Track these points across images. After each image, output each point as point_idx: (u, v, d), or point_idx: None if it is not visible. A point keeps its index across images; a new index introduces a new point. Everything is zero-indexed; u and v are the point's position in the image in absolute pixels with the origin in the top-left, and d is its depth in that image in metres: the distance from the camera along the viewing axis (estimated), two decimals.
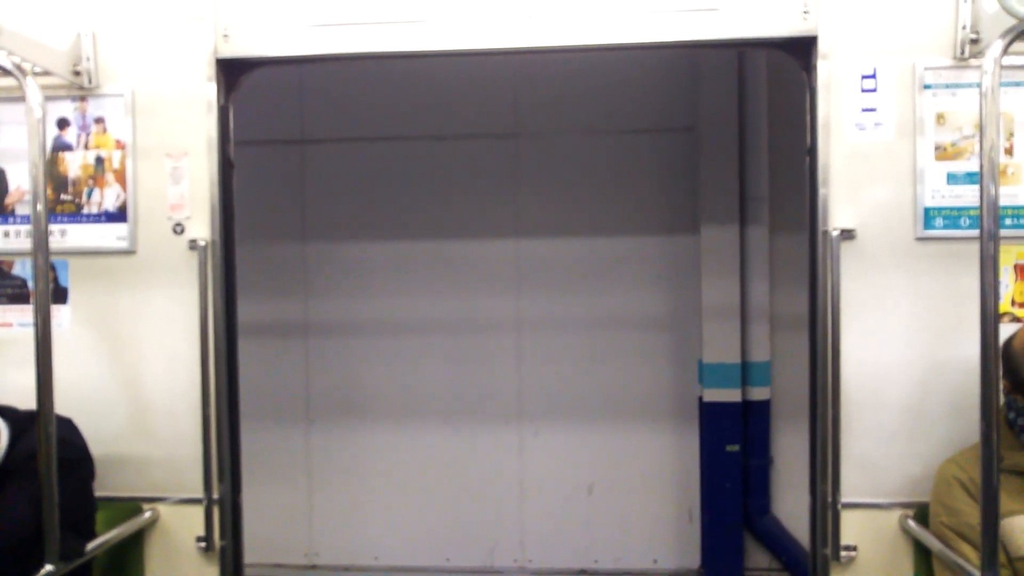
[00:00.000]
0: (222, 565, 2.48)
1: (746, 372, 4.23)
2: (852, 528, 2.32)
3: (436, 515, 4.51)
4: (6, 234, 2.55)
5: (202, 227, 2.47)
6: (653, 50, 2.41)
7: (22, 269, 2.56)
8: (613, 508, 4.44)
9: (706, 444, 4.28)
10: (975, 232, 1.80)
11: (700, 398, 4.28)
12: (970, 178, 2.26)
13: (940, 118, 2.28)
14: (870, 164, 2.30)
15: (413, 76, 4.32)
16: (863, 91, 2.29)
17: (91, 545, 2.21)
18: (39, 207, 1.96)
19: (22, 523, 2.06)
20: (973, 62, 2.24)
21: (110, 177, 2.51)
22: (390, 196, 4.45)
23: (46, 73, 2.38)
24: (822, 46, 2.30)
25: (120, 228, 2.51)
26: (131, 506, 2.48)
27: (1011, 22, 1.75)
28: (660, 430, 4.41)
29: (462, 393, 4.49)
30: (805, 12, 2.29)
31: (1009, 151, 2.27)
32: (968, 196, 2.26)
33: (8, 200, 2.55)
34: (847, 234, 2.28)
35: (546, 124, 4.38)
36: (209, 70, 2.45)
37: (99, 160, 2.51)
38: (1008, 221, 2.24)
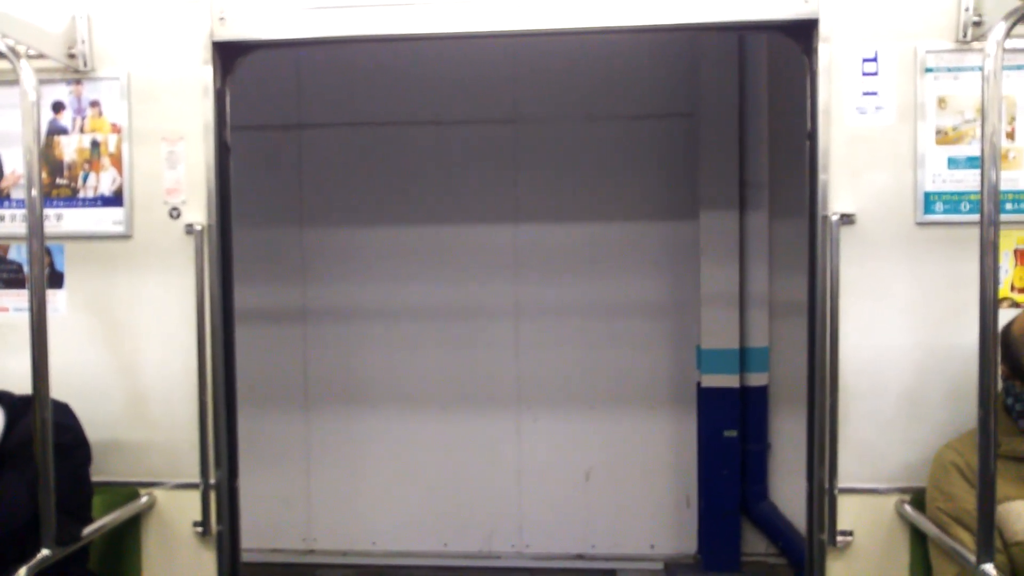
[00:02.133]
0: (219, 550, 2.48)
1: (744, 358, 4.23)
2: (849, 513, 2.32)
3: (434, 500, 4.52)
4: (1, 218, 2.54)
5: (198, 212, 2.45)
6: (653, 33, 2.40)
7: (17, 254, 2.55)
8: (611, 494, 4.45)
9: (704, 430, 4.29)
10: (975, 217, 1.79)
11: (698, 384, 4.28)
12: (971, 162, 2.24)
13: (941, 102, 2.27)
14: (870, 148, 2.28)
15: (411, 60, 4.30)
16: (864, 75, 2.27)
17: (87, 530, 2.21)
18: (34, 191, 1.95)
19: (18, 508, 2.05)
20: (976, 45, 2.22)
21: (106, 161, 2.49)
22: (388, 181, 4.44)
23: (40, 56, 2.35)
24: (823, 29, 2.28)
25: (116, 212, 2.49)
26: (128, 491, 2.48)
27: (1014, 4, 1.74)
28: (658, 416, 4.41)
29: (460, 379, 4.49)
30: None
31: (1011, 135, 2.25)
32: (969, 181, 2.25)
33: (3, 184, 2.54)
34: (847, 219, 2.27)
35: (545, 109, 4.36)
36: (205, 53, 2.43)
37: (95, 144, 2.50)
38: (1009, 206, 2.23)
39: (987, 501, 1.73)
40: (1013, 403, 2.02)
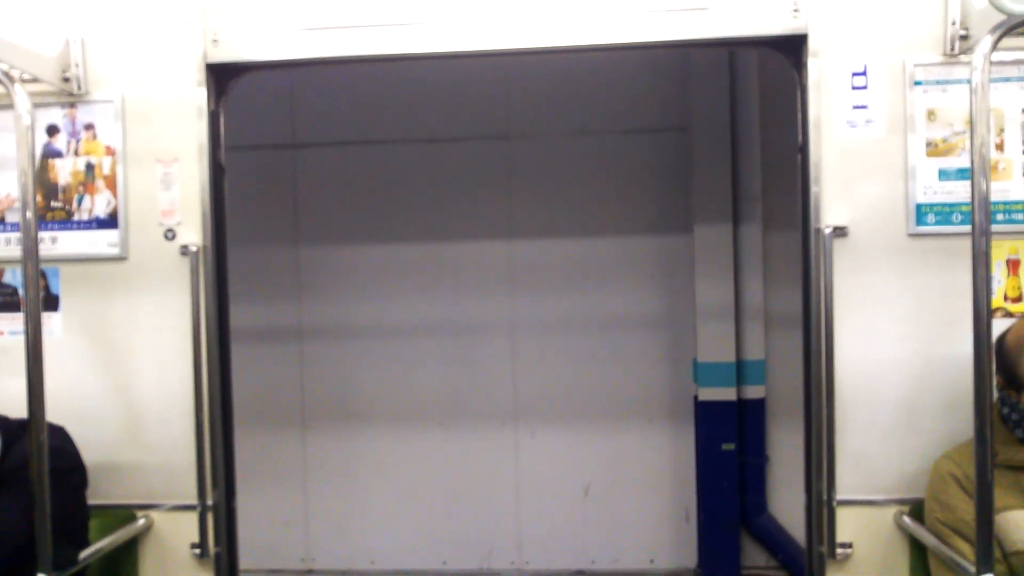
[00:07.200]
0: (217, 571, 2.47)
1: (741, 371, 4.23)
2: (848, 525, 2.32)
3: (432, 518, 4.50)
4: None
5: (193, 233, 2.46)
6: (644, 50, 2.41)
7: (13, 277, 2.55)
8: (609, 508, 4.44)
9: (702, 443, 4.29)
10: (967, 228, 1.79)
11: (695, 397, 4.28)
12: (961, 174, 2.26)
13: (931, 114, 2.29)
14: (862, 161, 2.30)
15: (404, 79, 4.31)
16: (854, 88, 2.30)
17: (84, 553, 2.20)
18: (29, 214, 1.95)
19: (15, 532, 2.05)
20: (963, 58, 2.25)
21: (100, 183, 2.50)
22: (383, 199, 4.45)
23: (35, 80, 2.36)
24: (812, 44, 2.30)
25: (111, 234, 2.50)
26: (125, 513, 2.47)
27: (1000, 18, 1.76)
28: (655, 430, 4.41)
29: (457, 396, 4.48)
30: (795, 10, 2.29)
31: (1000, 146, 2.27)
32: (960, 192, 2.27)
33: None
34: (839, 231, 2.29)
35: (538, 125, 4.38)
36: (199, 75, 2.44)
37: (89, 166, 2.50)
38: (1000, 216, 2.25)
39: (985, 511, 1.73)
40: (1009, 413, 2.03)
